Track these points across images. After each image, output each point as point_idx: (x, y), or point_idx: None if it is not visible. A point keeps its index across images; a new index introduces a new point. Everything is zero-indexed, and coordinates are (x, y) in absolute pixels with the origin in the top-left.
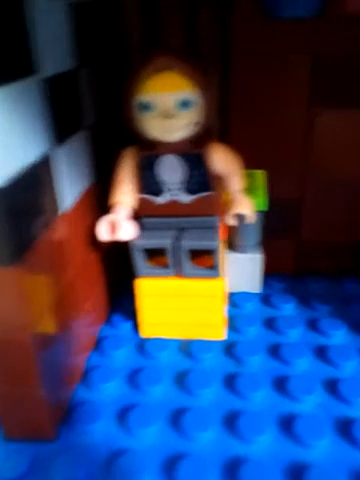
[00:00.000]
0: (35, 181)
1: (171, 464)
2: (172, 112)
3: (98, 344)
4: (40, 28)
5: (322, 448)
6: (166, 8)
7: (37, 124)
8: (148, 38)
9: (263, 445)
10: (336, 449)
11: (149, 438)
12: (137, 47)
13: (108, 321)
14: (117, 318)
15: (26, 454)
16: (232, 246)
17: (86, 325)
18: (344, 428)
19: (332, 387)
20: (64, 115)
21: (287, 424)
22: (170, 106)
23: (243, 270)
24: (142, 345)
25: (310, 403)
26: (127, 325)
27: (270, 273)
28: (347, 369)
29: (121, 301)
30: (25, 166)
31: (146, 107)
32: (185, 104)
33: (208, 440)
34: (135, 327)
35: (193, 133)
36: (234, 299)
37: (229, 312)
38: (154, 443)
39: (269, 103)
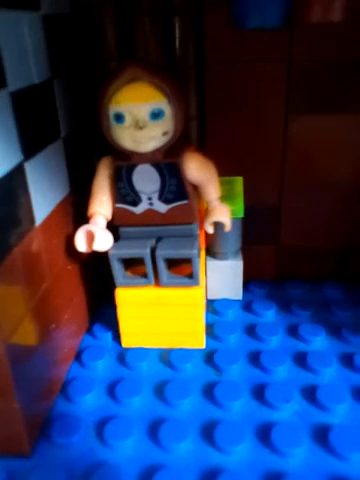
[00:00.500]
0: (8, 193)
1: (149, 476)
2: (144, 123)
3: (79, 355)
4: (7, 41)
5: (299, 456)
6: (140, 16)
7: (9, 136)
8: (123, 47)
9: (240, 454)
10: (313, 457)
11: (127, 450)
12: (113, 56)
13: (89, 331)
14: (98, 328)
15: (1, 470)
16: (212, 253)
17: (65, 336)
18: (321, 435)
19: (310, 394)
20: (38, 126)
21: (265, 433)
22: (142, 116)
23: (224, 277)
24: (123, 355)
25: (288, 411)
26: (108, 335)
27: (251, 279)
28: (326, 375)
29: (103, 311)
30: None
31: (118, 118)
32: (157, 114)
33: (186, 451)
34: (116, 337)
35: (167, 143)
36: (215, 306)
37: (211, 320)
38: (132, 455)
39: (245, 110)
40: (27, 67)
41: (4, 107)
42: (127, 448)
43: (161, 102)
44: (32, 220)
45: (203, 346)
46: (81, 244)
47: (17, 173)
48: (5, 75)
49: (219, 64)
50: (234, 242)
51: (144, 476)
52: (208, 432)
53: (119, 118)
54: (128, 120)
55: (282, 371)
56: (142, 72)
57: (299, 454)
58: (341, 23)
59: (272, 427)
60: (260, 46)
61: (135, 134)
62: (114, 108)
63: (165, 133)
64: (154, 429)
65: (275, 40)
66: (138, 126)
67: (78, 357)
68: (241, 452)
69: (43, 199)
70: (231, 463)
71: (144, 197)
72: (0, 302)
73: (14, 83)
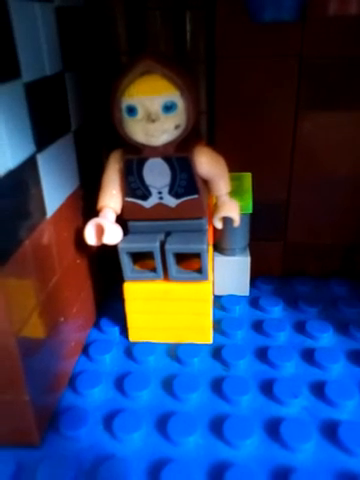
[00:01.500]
0: (21, 184)
1: (157, 469)
2: (156, 116)
3: (86, 348)
4: (21, 32)
5: (308, 451)
6: (152, 10)
7: (22, 127)
8: (135, 41)
9: (249, 449)
10: (322, 452)
11: (135, 443)
12: (125, 50)
13: (96, 325)
14: (105, 322)
15: (11, 460)
16: (220, 249)
17: (74, 329)
18: (330, 431)
19: (319, 390)
20: (50, 118)
21: (273, 428)
22: (154, 109)
23: (231, 273)
24: (130, 349)
25: (296, 406)
26: (115, 329)
27: (258, 275)
28: (334, 371)
29: (110, 305)
30: (9, 169)
31: (131, 110)
32: (169, 107)
33: (194, 445)
34: (124, 331)
35: (179, 136)
36: (222, 302)
37: (218, 315)
38: (140, 448)
39: (255, 106)
40: (40, 59)
41: (18, 98)
42: (135, 441)
43: (174, 95)
44: (44, 212)
45: (210, 341)
46: (90, 237)
47: (30, 164)
48: (19, 65)
49: (230, 59)
50: (242, 238)
51: (152, 470)
52: (217, 426)
53: (131, 111)
54: (140, 113)
55: (290, 367)
56: (155, 65)
57: (308, 449)
58: (353, 18)
59: (281, 422)
60: (271, 41)
61: (147, 127)
62: (127, 101)
63: (177, 126)
64: (162, 423)
65: (286, 35)
66: (150, 119)
67: (85, 351)
68: (250, 447)
69: (54, 191)
70: (240, 457)
71: (154, 191)
72: (11, 295)
73: (27, 74)
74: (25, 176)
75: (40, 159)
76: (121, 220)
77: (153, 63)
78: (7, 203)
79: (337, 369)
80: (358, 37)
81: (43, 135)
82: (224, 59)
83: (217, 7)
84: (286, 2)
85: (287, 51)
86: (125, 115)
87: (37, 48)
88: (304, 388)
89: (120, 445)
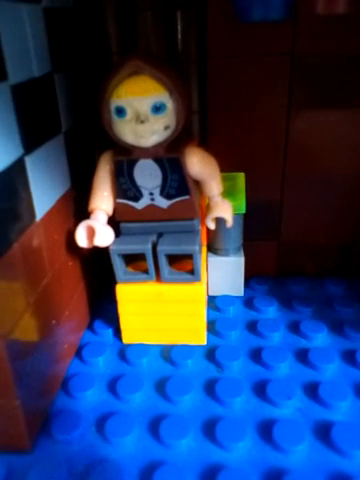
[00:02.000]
0: (9, 187)
1: (149, 472)
2: (145, 116)
3: (79, 351)
4: (8, 33)
5: (301, 453)
6: (142, 10)
7: (9, 130)
8: (125, 41)
9: (242, 451)
10: (315, 454)
11: (128, 446)
12: (116, 50)
13: (90, 327)
14: (99, 324)
15: (1, 465)
16: (213, 250)
17: (66, 332)
18: (323, 432)
19: (312, 391)
20: (38, 120)
21: (266, 430)
22: (143, 110)
23: (225, 273)
24: (123, 351)
25: (290, 408)
26: (109, 331)
27: (252, 275)
28: (328, 372)
29: (104, 306)
30: None
31: (119, 111)
32: (158, 108)
33: (187, 447)
34: (117, 333)
35: (169, 137)
36: (217, 303)
37: (212, 316)
38: (132, 451)
39: (248, 105)
40: (27, 60)
41: (4, 100)
42: (128, 444)
43: (163, 96)
44: (33, 215)
45: (204, 342)
46: (82, 240)
47: (18, 167)
48: (6, 68)
49: (221, 58)
50: (236, 238)
51: (145, 472)
52: (209, 429)
53: (120, 112)
54: (129, 114)
55: (284, 368)
56: (144, 65)
57: (301, 451)
58: (344, 16)
59: (274, 424)
60: (262, 40)
61: (137, 128)
62: (115, 102)
63: (167, 127)
64: (155, 425)
65: (278, 34)
66: (139, 120)
67: (79, 353)
68: (242, 449)
69: (44, 194)
70: (232, 460)
71: (145, 192)
72: (0, 297)
73: (14, 76)
74: (13, 179)
75: (28, 162)
76: (113, 221)
77: (141, 63)
78: None
79: (331, 369)
80: (350, 35)
81: (31, 137)
82: (216, 58)
83: (208, 6)
84: (274, 1)
85: (279, 50)
86: (114, 116)
87: (24, 50)
88: (298, 389)
89: (113, 448)
